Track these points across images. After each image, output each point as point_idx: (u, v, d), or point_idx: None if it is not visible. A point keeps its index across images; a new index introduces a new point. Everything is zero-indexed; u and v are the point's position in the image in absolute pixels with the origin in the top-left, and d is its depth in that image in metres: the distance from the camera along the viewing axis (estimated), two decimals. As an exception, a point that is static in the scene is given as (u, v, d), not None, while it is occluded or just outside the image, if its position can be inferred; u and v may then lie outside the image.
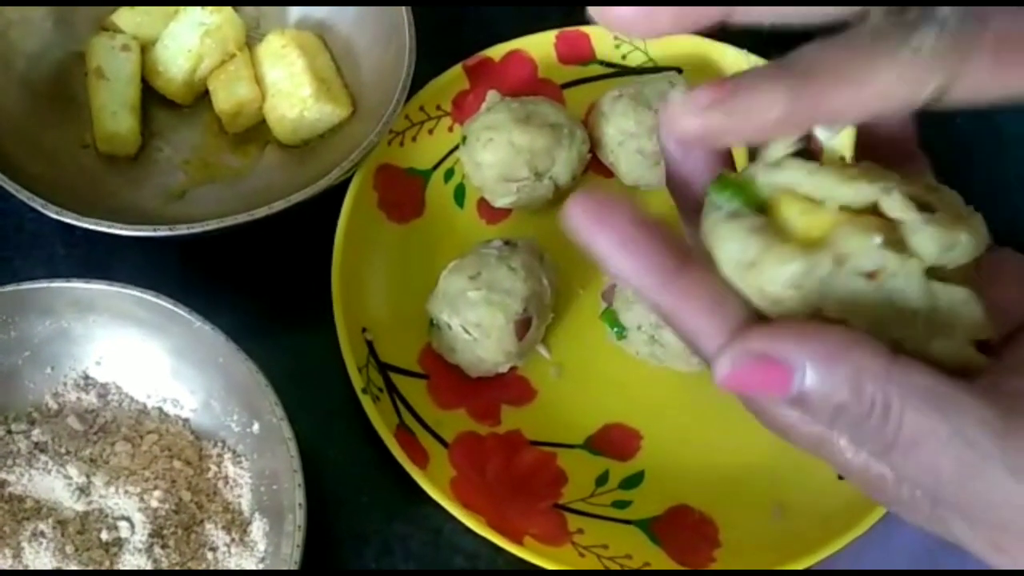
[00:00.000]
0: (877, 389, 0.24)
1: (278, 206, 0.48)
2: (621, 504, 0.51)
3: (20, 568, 0.43)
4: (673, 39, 0.62)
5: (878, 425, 0.24)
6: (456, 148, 0.59)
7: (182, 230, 0.47)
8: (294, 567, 0.40)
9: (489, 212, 0.59)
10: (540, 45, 0.61)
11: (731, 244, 0.25)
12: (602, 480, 0.52)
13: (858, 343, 0.24)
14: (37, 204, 0.47)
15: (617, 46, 0.62)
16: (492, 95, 0.57)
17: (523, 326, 0.50)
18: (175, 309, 0.45)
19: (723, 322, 0.26)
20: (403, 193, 0.58)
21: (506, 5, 0.65)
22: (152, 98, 0.59)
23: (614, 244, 0.26)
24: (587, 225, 0.26)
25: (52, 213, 0.47)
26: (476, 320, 0.49)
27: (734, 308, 0.26)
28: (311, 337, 0.54)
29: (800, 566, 0.48)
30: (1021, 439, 0.24)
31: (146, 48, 0.58)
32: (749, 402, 0.29)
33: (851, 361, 0.24)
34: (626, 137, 0.56)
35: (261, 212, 0.48)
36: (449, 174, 0.59)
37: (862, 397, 0.24)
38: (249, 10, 0.62)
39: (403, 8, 0.55)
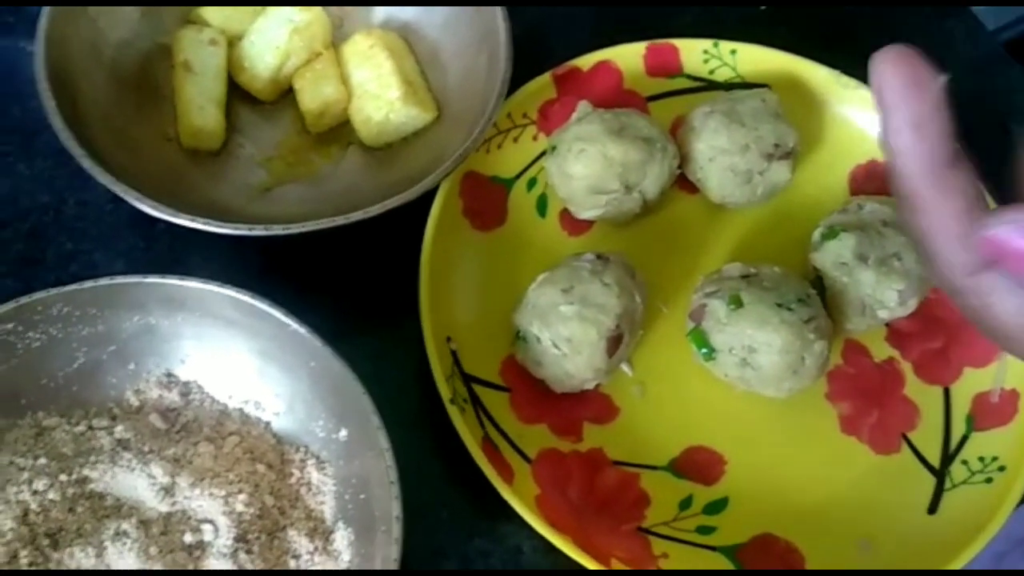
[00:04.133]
0: None
1: (374, 210, 0.47)
2: (705, 530, 0.50)
3: (102, 566, 0.42)
4: (762, 55, 0.61)
5: None
6: (539, 157, 0.58)
7: (277, 230, 0.46)
8: (391, 582, 0.39)
9: (572, 224, 0.58)
10: (629, 56, 0.60)
11: None
12: (686, 504, 0.50)
13: None
14: (131, 197, 0.47)
15: (705, 60, 0.61)
16: (583, 105, 0.56)
17: (614, 343, 0.49)
18: (270, 310, 0.44)
19: (970, 227, 0.27)
20: (486, 201, 0.57)
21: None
22: (234, 94, 0.58)
23: (909, 118, 0.27)
24: (899, 84, 0.27)
25: (148, 208, 0.46)
26: (568, 335, 0.48)
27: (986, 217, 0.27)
28: (387, 344, 0.53)
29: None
30: None
31: (232, 43, 0.58)
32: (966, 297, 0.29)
33: None
34: (717, 154, 0.55)
35: (357, 216, 0.47)
36: (532, 183, 0.58)
37: None
38: (333, 9, 0.61)
39: (498, 12, 0.54)
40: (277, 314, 0.44)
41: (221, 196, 0.55)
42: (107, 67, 0.55)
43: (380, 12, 0.61)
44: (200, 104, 0.55)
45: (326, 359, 0.43)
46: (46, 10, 0.52)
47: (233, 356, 0.47)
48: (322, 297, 0.55)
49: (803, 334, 0.49)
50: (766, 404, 0.52)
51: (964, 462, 0.52)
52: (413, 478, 0.50)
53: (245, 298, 0.44)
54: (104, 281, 0.44)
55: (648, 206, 0.56)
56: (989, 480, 0.51)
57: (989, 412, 0.53)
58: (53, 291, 0.44)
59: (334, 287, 0.55)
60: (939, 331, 0.56)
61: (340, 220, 0.47)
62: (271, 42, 0.57)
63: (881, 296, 0.52)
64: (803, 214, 0.58)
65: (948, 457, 0.52)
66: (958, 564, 0.48)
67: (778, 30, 0.65)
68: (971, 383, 0.54)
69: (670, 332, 0.54)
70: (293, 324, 0.44)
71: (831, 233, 0.53)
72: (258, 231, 0.46)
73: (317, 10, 0.58)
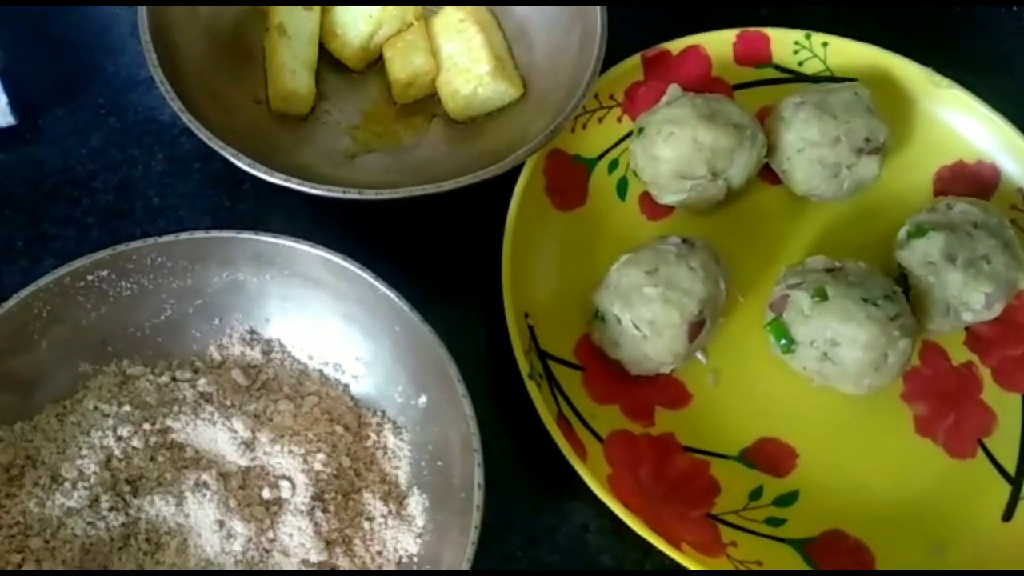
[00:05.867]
0: None
1: (465, 180, 0.48)
2: (775, 521, 0.49)
3: (181, 516, 0.43)
4: (853, 48, 0.60)
5: None
6: (623, 140, 0.58)
7: (370, 195, 0.47)
8: (472, 547, 0.39)
9: (651, 208, 0.57)
10: (719, 43, 0.60)
11: None
12: (756, 495, 0.50)
13: None
14: (228, 154, 0.47)
15: (796, 51, 0.60)
16: (674, 88, 0.56)
17: (696, 328, 0.49)
18: (360, 273, 0.44)
19: None
20: (568, 181, 0.57)
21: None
22: (323, 61, 0.58)
23: None
24: None
25: (244, 164, 0.47)
26: (650, 317, 0.48)
27: None
28: (461, 317, 0.53)
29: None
30: None
31: (325, 9, 0.58)
32: None
33: None
34: (807, 145, 0.55)
35: (448, 185, 0.47)
36: (613, 165, 0.58)
37: None
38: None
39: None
40: (367, 276, 0.44)
41: (306, 161, 0.55)
42: (203, 27, 0.55)
43: (470, -14, 0.61)
44: (292, 68, 0.55)
45: (412, 325, 0.44)
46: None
47: (317, 317, 0.47)
48: (398, 266, 0.55)
49: (889, 331, 0.48)
50: (841, 400, 0.52)
51: (1043, 472, 0.51)
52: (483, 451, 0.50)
53: (336, 259, 0.44)
54: (199, 234, 0.45)
55: (731, 194, 0.55)
56: (1068, 491, 0.50)
57: (1070, 423, 0.52)
58: (150, 241, 0.45)
59: (411, 257, 0.55)
60: (1020, 337, 0.55)
61: (431, 188, 0.47)
62: (364, 10, 0.57)
63: (967, 298, 0.51)
64: (886, 211, 0.57)
65: (1026, 466, 0.51)
66: (1033, 574, 0.47)
67: (866, 25, 0.64)
68: (1052, 392, 0.53)
69: (746, 322, 0.54)
70: (382, 288, 0.44)
71: (919, 231, 0.52)
72: (351, 194, 0.47)
73: (410, -20, 0.58)
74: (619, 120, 0.58)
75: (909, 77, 0.60)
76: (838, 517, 0.50)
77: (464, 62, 0.56)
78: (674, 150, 0.53)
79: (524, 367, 0.48)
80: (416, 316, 0.44)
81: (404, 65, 0.56)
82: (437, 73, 0.57)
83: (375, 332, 0.46)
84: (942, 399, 0.53)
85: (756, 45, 0.60)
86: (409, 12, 0.58)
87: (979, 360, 0.55)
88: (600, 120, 0.58)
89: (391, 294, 0.44)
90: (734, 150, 0.53)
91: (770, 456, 0.51)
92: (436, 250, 0.56)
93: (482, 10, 0.59)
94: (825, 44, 0.60)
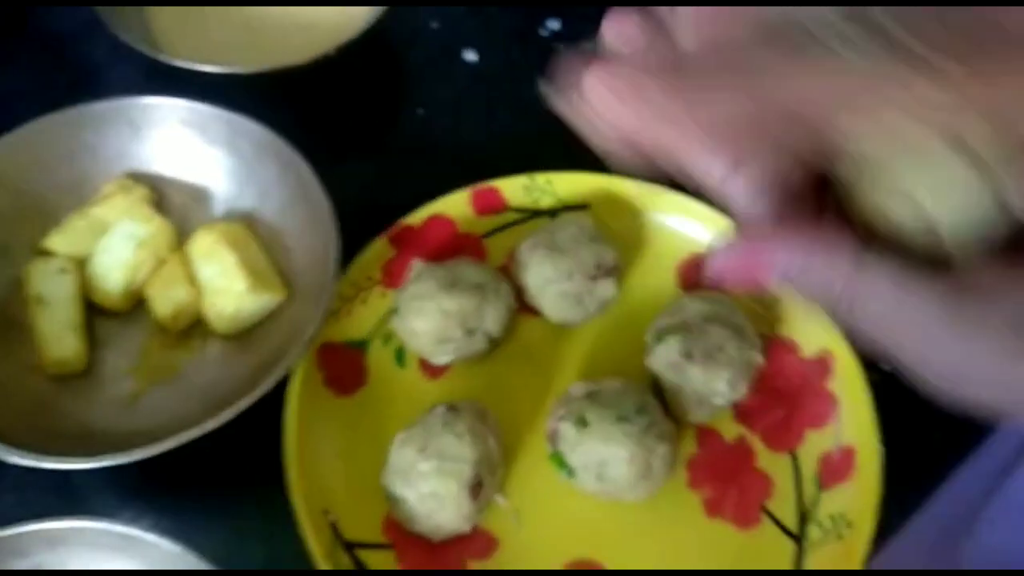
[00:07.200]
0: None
1: (227, 415, 0.51)
2: (595, 640, 0.53)
3: None
4: (575, 179, 0.66)
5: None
6: (391, 311, 0.63)
7: (138, 455, 0.50)
8: None
9: (430, 369, 0.62)
10: (457, 204, 0.65)
11: None
12: (573, 619, 0.54)
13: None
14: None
15: (527, 193, 0.66)
16: (417, 265, 0.61)
17: (476, 489, 0.53)
18: (143, 536, 0.47)
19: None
20: (345, 366, 0.61)
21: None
22: (92, 309, 0.61)
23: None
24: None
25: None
26: (430, 491, 0.52)
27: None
28: (268, 527, 0.55)
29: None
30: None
31: (82, 262, 0.61)
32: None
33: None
34: (546, 283, 0.60)
35: (212, 424, 0.51)
36: (387, 338, 0.62)
37: None
38: (176, 207, 0.65)
39: (324, 200, 0.59)
40: (151, 539, 0.47)
41: (90, 417, 0.57)
42: (-37, 314, 0.58)
43: (221, 205, 0.65)
44: (58, 335, 0.58)
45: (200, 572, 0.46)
46: None
47: (119, 579, 0.49)
48: (194, 494, 0.58)
49: (645, 442, 0.53)
50: (631, 508, 0.56)
51: (819, 523, 0.57)
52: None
53: (117, 528, 0.47)
54: (-21, 540, 0.47)
55: (496, 341, 0.60)
56: (840, 537, 0.55)
57: (831, 470, 0.58)
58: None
59: (207, 482, 0.58)
60: (779, 401, 0.61)
61: (196, 432, 0.50)
62: (118, 259, 0.60)
63: (712, 387, 0.57)
64: (639, 319, 0.63)
65: (803, 520, 0.57)
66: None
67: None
68: (814, 445, 0.59)
69: (537, 456, 0.58)
70: (167, 545, 0.47)
71: (658, 338, 0.58)
72: (118, 459, 0.49)
73: (158, 221, 0.61)
74: (383, 295, 0.63)
75: (629, 193, 0.66)
76: (651, 618, 0.54)
77: (222, 283, 0.60)
78: (427, 322, 0.58)
79: (328, 568, 0.51)
80: (207, 569, 0.46)
81: (165, 302, 0.60)
82: (200, 297, 0.61)
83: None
84: (723, 477, 0.59)
85: (489, 198, 0.66)
86: (163, 248, 0.61)
87: (748, 431, 0.60)
88: (364, 301, 0.62)
89: (176, 549, 0.47)
90: (480, 307, 0.58)
91: (580, 577, 0.55)
92: (230, 467, 0.58)
93: (235, 227, 0.63)
94: (549, 181, 0.66)
